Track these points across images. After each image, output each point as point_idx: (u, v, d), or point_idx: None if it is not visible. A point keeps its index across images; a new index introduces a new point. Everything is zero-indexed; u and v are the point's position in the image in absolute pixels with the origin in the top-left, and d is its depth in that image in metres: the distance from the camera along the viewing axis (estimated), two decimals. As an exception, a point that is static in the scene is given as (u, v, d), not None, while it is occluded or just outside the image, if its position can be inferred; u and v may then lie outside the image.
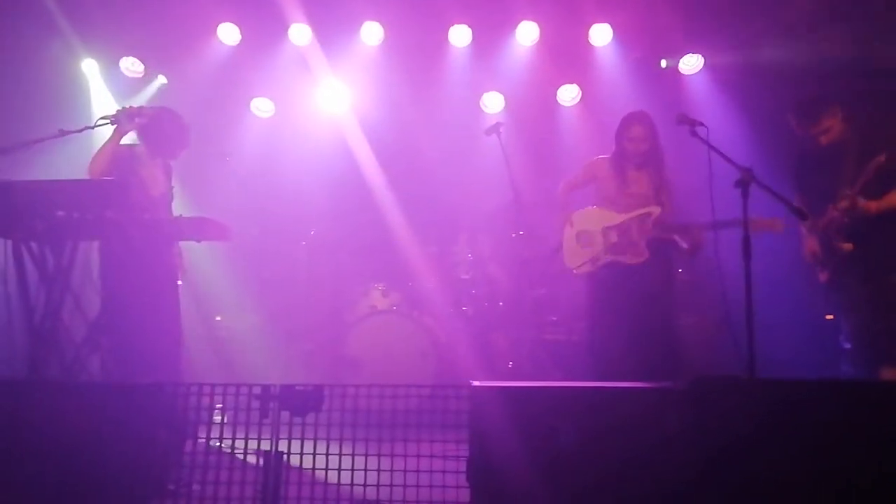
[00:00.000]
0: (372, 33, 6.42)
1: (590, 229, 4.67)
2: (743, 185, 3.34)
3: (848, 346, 4.07)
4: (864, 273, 4.04)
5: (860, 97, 4.94)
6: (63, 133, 3.94)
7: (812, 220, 4.12)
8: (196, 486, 2.84)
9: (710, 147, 3.58)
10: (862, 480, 2.43)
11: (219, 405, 2.92)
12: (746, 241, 3.28)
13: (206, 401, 2.90)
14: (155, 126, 4.29)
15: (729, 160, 3.46)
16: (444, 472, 2.75)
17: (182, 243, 4.45)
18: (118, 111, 4.15)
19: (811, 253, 4.29)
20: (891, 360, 3.85)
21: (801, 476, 2.45)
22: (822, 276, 4.26)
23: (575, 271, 4.70)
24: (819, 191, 4.21)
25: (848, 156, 4.08)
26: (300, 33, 6.35)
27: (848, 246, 4.02)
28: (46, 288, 3.64)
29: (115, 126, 4.15)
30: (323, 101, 6.76)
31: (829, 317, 4.25)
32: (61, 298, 3.70)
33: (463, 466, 2.66)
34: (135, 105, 4.26)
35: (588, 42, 6.39)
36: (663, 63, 6.50)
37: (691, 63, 6.44)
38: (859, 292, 4.05)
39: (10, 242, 3.61)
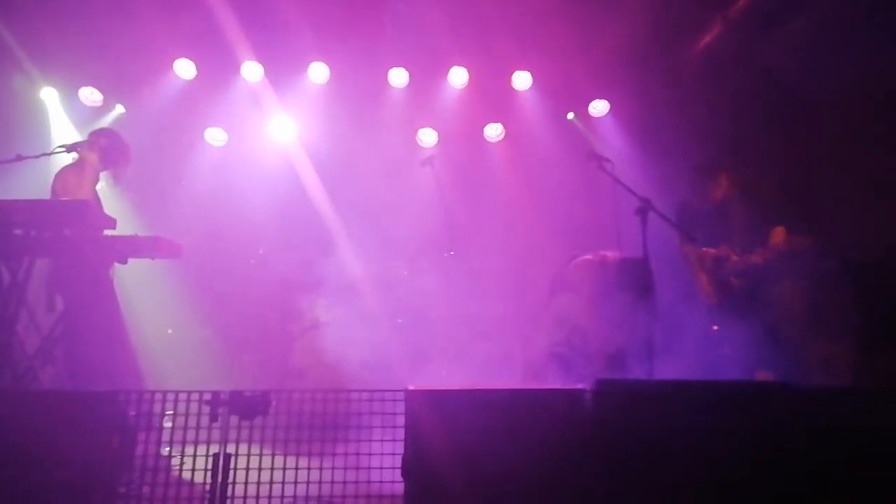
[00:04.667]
0: (319, 73, 6.40)
1: None
2: (642, 213, 3.48)
3: (729, 352, 4.30)
4: (749, 301, 4.38)
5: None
6: (20, 158, 3.79)
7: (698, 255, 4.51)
8: (146, 488, 2.72)
9: (616, 180, 3.72)
10: (743, 472, 2.53)
11: (170, 411, 2.81)
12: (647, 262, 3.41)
13: (157, 407, 2.79)
14: (114, 145, 4.28)
15: (631, 191, 3.60)
16: (381, 468, 2.74)
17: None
18: (76, 143, 4.07)
19: (700, 282, 4.56)
20: (764, 364, 4.08)
21: (689, 468, 2.54)
22: (711, 298, 4.51)
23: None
24: (706, 238, 4.49)
25: (732, 212, 4.42)
26: (252, 71, 6.26)
27: (740, 282, 4.34)
28: (1, 302, 3.45)
29: (78, 155, 4.08)
30: (273, 133, 6.65)
31: (715, 328, 4.46)
32: (16, 312, 3.51)
33: (398, 463, 2.64)
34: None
35: (511, 86, 6.55)
36: (570, 115, 6.71)
37: (598, 108, 6.66)
38: (746, 312, 4.35)
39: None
